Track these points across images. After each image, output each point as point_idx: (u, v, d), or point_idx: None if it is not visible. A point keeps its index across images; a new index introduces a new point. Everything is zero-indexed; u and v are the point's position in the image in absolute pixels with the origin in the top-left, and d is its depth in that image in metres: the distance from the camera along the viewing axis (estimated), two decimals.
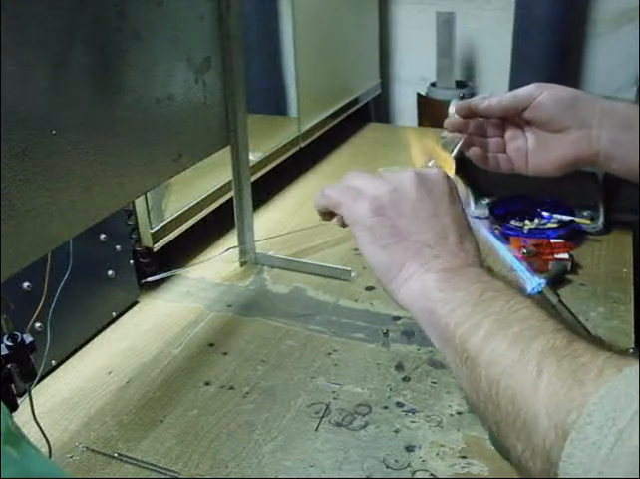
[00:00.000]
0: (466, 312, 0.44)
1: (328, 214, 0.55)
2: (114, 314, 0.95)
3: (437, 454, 0.70)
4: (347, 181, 0.53)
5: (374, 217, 0.49)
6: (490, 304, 0.44)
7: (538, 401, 0.37)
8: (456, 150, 0.69)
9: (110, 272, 0.92)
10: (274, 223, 1.23)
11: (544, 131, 0.69)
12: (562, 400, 0.36)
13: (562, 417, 0.35)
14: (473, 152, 0.71)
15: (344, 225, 0.53)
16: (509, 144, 0.72)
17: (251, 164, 1.09)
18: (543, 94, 0.68)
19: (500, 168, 0.72)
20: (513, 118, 0.71)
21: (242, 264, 1.09)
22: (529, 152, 0.71)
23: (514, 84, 1.64)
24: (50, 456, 0.68)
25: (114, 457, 0.71)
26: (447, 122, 0.71)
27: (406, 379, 0.81)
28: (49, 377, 0.84)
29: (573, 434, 0.34)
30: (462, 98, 1.34)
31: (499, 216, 1.13)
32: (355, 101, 1.67)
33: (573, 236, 1.10)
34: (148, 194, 0.94)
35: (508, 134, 0.72)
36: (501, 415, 0.40)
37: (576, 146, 0.67)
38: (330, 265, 1.05)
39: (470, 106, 0.70)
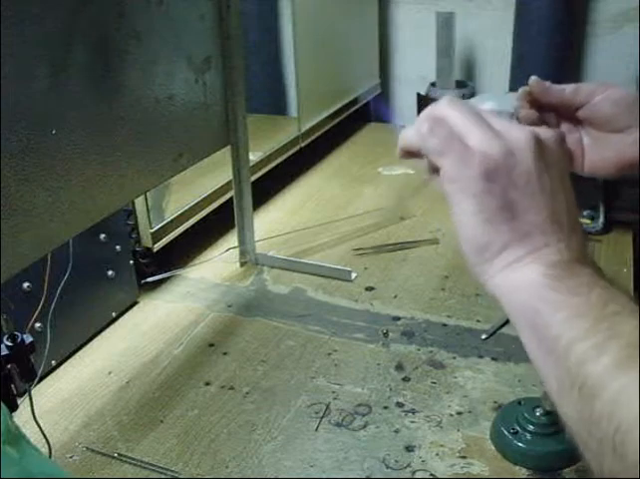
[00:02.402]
0: (585, 327, 0.36)
1: (410, 153, 0.46)
2: (114, 314, 0.95)
3: (437, 454, 0.70)
4: (445, 116, 0.43)
5: (484, 182, 0.40)
6: (617, 322, 0.36)
7: None
8: None
9: (110, 272, 0.92)
10: (274, 223, 1.23)
11: (600, 131, 0.63)
12: None
13: None
14: None
15: (433, 172, 0.44)
16: (567, 137, 0.62)
17: (251, 164, 1.09)
18: (603, 95, 0.62)
19: None
20: (566, 113, 0.64)
21: (242, 264, 1.09)
22: (585, 149, 0.64)
23: (514, 84, 1.63)
24: (50, 456, 0.68)
25: (114, 457, 0.71)
26: (522, 114, 0.61)
27: (406, 379, 0.81)
28: (49, 377, 0.84)
29: None
30: (462, 98, 1.34)
31: None
32: (355, 101, 1.67)
33: None
34: (148, 194, 0.94)
35: (564, 127, 0.65)
36: (624, 468, 0.32)
37: (635, 148, 0.61)
38: (330, 265, 1.05)
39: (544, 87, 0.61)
